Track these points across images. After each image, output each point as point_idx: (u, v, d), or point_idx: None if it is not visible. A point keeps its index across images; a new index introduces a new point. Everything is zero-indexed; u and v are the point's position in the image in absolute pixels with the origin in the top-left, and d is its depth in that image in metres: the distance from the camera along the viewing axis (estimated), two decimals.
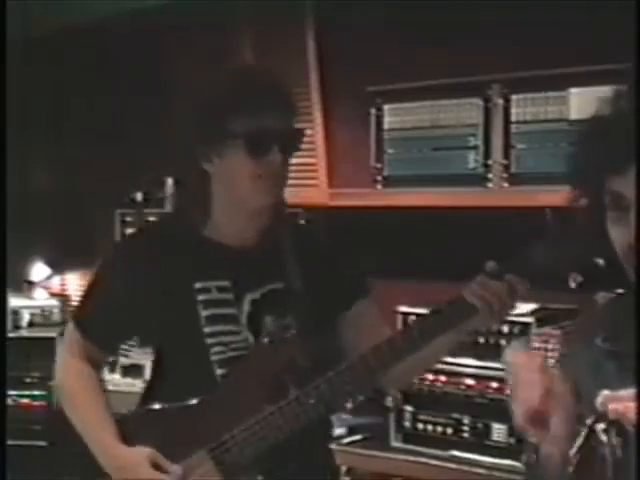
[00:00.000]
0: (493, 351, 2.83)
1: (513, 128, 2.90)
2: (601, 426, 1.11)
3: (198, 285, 1.76)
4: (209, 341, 1.75)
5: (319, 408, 1.68)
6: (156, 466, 1.70)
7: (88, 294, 1.93)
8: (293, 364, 1.74)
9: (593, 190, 1.25)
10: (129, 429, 1.79)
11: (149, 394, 1.87)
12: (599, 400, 1.10)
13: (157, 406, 1.79)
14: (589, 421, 1.13)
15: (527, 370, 1.37)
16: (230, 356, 1.75)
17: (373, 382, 1.89)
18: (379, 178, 3.23)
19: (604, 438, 1.10)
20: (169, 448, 1.72)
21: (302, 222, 2.00)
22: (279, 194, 1.78)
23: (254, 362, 1.74)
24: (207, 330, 1.75)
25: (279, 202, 1.80)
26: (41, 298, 4.50)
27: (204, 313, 1.75)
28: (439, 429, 2.92)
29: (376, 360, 1.68)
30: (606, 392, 1.11)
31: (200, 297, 1.75)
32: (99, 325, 1.86)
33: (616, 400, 1.09)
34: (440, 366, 2.93)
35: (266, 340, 1.76)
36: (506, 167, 2.92)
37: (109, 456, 1.78)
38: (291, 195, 3.50)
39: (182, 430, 1.73)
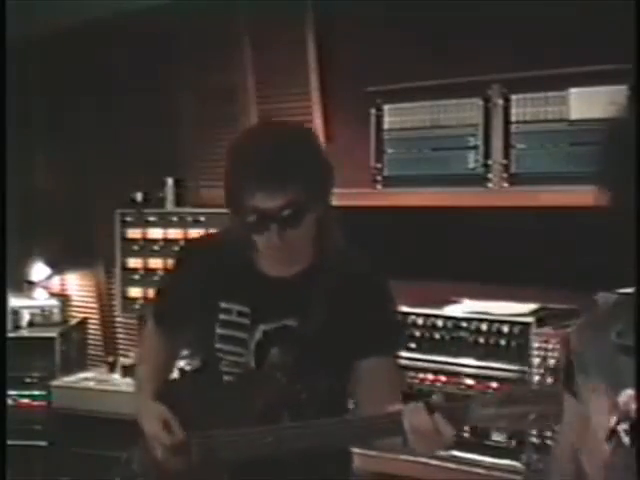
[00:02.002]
0: (493, 351, 2.83)
1: (513, 128, 2.90)
2: (624, 427, 1.07)
3: (223, 305, 1.90)
4: (219, 355, 1.91)
5: (284, 447, 1.76)
6: (165, 423, 1.88)
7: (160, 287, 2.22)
8: (291, 397, 1.83)
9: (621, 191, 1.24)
10: (166, 391, 2.02)
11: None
12: (622, 399, 1.07)
13: (185, 382, 2.13)
14: (612, 422, 1.09)
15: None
16: (235, 372, 1.90)
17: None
18: (379, 178, 3.23)
19: (626, 439, 1.07)
20: (183, 417, 1.91)
21: (357, 265, 1.94)
22: (302, 251, 1.85)
23: (252, 385, 1.88)
24: (218, 346, 1.91)
25: (327, 243, 1.89)
26: (41, 298, 4.50)
27: (219, 331, 1.90)
28: None
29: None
30: (629, 391, 1.08)
31: (221, 316, 1.90)
32: (163, 313, 2.09)
33: None
34: (440, 366, 2.94)
35: (268, 370, 1.87)
36: (506, 167, 2.92)
37: (137, 404, 2.00)
38: None
39: (192, 410, 1.92)
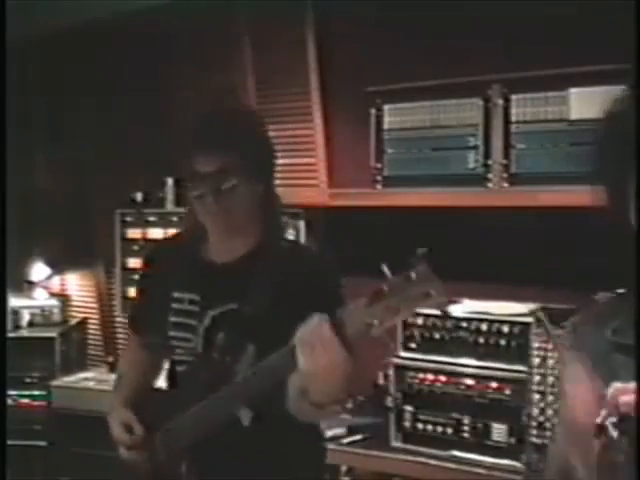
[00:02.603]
0: (493, 351, 2.83)
1: (513, 128, 2.90)
2: (612, 420, 1.06)
3: (176, 295, 2.00)
4: (172, 342, 2.01)
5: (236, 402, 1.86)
6: (126, 426, 2.00)
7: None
8: (238, 381, 1.86)
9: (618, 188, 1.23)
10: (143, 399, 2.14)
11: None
12: (610, 392, 1.06)
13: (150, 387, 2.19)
14: (600, 417, 1.08)
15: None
16: (185, 359, 2.00)
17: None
18: (379, 178, 3.23)
19: (614, 433, 1.06)
20: (147, 419, 2.03)
21: (302, 244, 2.07)
22: (244, 222, 1.95)
23: (199, 369, 1.96)
24: (171, 334, 2.01)
25: (270, 228, 2.00)
26: (41, 298, 4.50)
27: (172, 319, 2.00)
28: (439, 429, 2.92)
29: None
30: (617, 384, 1.07)
31: (174, 305, 2.00)
32: (134, 318, 2.24)
33: (628, 392, 1.05)
34: (440, 366, 2.93)
35: (215, 355, 1.94)
36: (506, 167, 2.92)
37: (109, 408, 2.11)
38: (291, 195, 3.57)
39: (152, 409, 2.05)
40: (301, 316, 1.66)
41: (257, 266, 1.92)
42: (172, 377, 2.07)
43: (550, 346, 2.71)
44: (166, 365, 2.11)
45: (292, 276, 1.90)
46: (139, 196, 4.11)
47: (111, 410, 2.08)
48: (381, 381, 3.16)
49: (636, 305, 1.23)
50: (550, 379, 2.70)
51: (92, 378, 4.12)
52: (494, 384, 2.83)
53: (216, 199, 1.89)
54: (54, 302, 4.48)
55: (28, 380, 4.17)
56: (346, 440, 3.08)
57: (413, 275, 1.45)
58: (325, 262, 2.04)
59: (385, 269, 1.45)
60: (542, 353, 2.72)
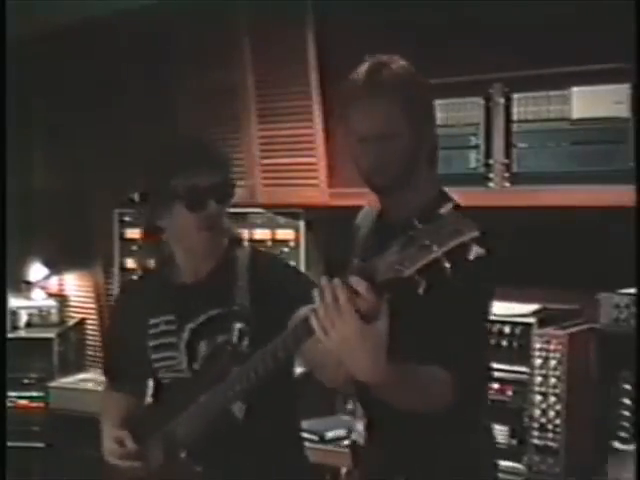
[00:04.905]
0: (494, 352, 2.81)
1: (514, 127, 2.88)
2: None
3: (152, 321, 2.08)
4: (155, 365, 2.08)
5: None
6: (119, 441, 2.08)
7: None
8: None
9: None
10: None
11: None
12: None
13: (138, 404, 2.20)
14: None
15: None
16: (171, 377, 2.06)
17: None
18: None
19: None
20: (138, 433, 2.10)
21: (259, 250, 2.21)
22: (221, 240, 2.04)
23: (186, 383, 2.02)
24: (153, 356, 2.07)
25: (231, 240, 2.08)
26: (39, 298, 4.49)
27: (151, 344, 2.07)
28: None
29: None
30: None
31: (151, 330, 2.08)
32: (109, 369, 2.32)
33: None
34: None
35: (199, 366, 2.00)
36: (507, 166, 2.90)
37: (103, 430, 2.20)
38: (291, 195, 3.56)
39: (142, 422, 2.12)
40: (282, 306, 1.75)
41: (229, 276, 2.01)
42: (157, 394, 2.12)
43: (552, 347, 2.70)
44: (150, 384, 2.14)
45: (262, 274, 2.01)
46: (137, 196, 4.09)
47: (103, 430, 2.17)
48: None
49: (636, 305, 1.22)
50: (552, 380, 2.69)
51: (90, 379, 4.10)
52: (495, 385, 2.81)
53: (220, 209, 1.98)
54: (52, 302, 4.47)
55: (26, 381, 4.16)
56: (347, 442, 3.06)
57: (443, 211, 1.43)
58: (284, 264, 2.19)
59: (415, 221, 1.41)
60: (544, 354, 2.71)
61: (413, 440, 1.84)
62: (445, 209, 1.43)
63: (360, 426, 1.95)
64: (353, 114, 1.93)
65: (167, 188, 1.98)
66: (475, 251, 1.36)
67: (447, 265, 1.35)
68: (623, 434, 2.63)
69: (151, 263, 2.27)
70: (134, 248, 4.08)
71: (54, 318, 4.42)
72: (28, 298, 4.47)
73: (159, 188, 2.02)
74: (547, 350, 2.69)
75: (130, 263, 4.09)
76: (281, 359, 1.70)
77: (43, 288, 4.53)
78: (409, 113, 1.91)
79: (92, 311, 4.51)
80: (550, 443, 2.68)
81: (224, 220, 2.02)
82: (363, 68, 1.98)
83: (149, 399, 2.11)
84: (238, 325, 1.94)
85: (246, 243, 2.18)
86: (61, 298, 4.54)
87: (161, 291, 2.10)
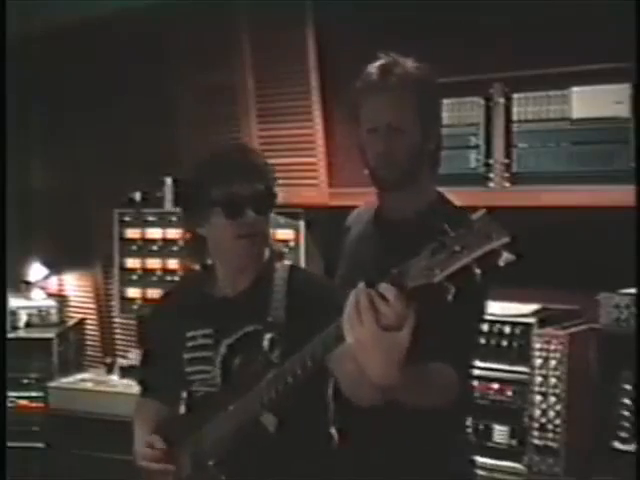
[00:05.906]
0: (494, 352, 2.82)
1: (514, 127, 2.89)
2: None
3: (189, 334, 2.06)
4: (189, 378, 2.06)
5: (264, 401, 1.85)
6: (150, 445, 2.05)
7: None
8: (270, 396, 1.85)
9: None
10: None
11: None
12: None
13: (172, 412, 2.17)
14: None
15: None
16: (204, 389, 2.04)
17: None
18: None
19: None
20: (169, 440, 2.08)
21: (298, 267, 2.16)
22: (261, 250, 2.03)
23: (219, 397, 1.99)
24: (188, 369, 2.06)
25: (271, 254, 2.05)
26: (38, 298, 4.48)
27: (186, 356, 2.06)
28: None
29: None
30: None
31: (188, 344, 2.06)
32: (143, 381, 2.29)
33: None
34: None
35: (230, 380, 1.99)
36: (507, 166, 2.91)
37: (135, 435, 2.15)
38: (291, 195, 3.56)
39: (174, 433, 2.09)
40: (316, 323, 1.66)
41: (269, 291, 1.99)
42: (190, 405, 2.10)
43: (552, 347, 2.70)
44: (184, 395, 2.12)
45: (297, 293, 1.97)
46: (138, 196, 4.09)
47: (135, 436, 2.12)
48: None
49: (636, 305, 1.21)
50: (552, 380, 2.69)
51: (90, 379, 4.10)
52: (495, 385, 2.81)
53: (258, 218, 1.97)
54: (52, 303, 4.47)
55: (25, 381, 4.15)
56: None
57: (474, 217, 1.42)
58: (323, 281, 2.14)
59: (446, 226, 1.41)
60: (544, 354, 2.71)
61: (395, 439, 1.88)
62: (476, 214, 1.42)
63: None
64: (365, 105, 1.97)
65: (206, 195, 1.97)
66: (505, 257, 1.36)
67: (477, 271, 1.34)
68: (623, 434, 2.63)
69: (194, 264, 2.21)
70: (134, 248, 4.07)
71: (54, 318, 4.42)
72: (28, 298, 4.47)
73: (198, 194, 2.00)
74: (547, 350, 2.69)
75: (130, 263, 4.09)
76: (310, 367, 1.69)
77: (43, 288, 4.53)
78: (419, 111, 1.94)
79: (92, 311, 4.51)
80: (550, 443, 2.68)
81: (264, 230, 2.01)
82: (377, 64, 2.00)
83: (182, 409, 2.10)
84: (269, 335, 1.93)
85: (287, 261, 2.14)
86: (61, 298, 4.54)
87: (200, 304, 2.08)
